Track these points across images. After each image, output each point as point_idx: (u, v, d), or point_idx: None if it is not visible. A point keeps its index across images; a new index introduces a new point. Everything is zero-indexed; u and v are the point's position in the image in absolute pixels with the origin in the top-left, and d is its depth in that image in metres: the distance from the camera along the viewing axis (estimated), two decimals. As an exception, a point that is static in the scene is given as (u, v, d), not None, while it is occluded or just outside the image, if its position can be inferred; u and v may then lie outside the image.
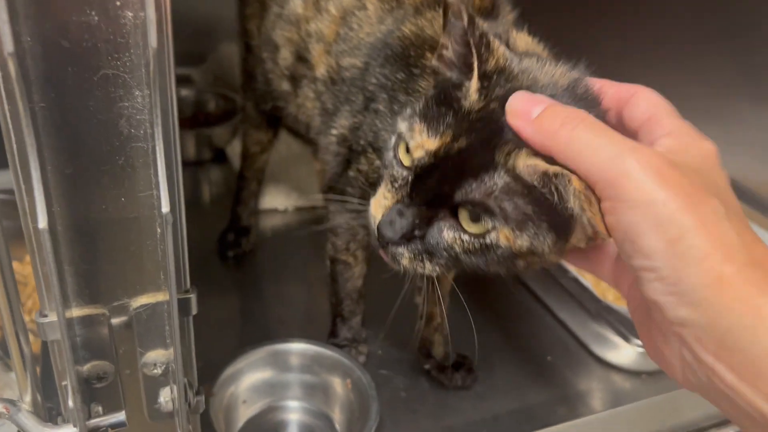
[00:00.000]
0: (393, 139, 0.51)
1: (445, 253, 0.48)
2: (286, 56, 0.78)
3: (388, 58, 0.65)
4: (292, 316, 0.93)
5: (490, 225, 0.45)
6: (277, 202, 1.12)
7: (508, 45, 0.50)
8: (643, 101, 0.43)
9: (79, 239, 0.42)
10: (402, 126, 0.50)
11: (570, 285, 0.87)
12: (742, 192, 1.10)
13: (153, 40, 0.37)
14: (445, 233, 0.47)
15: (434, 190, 0.47)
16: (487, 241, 0.46)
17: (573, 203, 0.41)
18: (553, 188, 0.41)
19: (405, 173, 0.49)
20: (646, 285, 0.36)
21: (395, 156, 0.50)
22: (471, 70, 0.47)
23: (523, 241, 0.45)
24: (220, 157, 1.25)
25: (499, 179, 0.44)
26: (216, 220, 1.06)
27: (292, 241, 1.08)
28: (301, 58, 0.76)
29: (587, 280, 0.95)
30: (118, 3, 0.37)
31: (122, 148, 0.41)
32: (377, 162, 0.64)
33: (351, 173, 0.68)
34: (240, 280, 1.00)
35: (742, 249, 0.35)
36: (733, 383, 0.34)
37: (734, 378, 0.34)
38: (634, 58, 1.15)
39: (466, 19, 0.46)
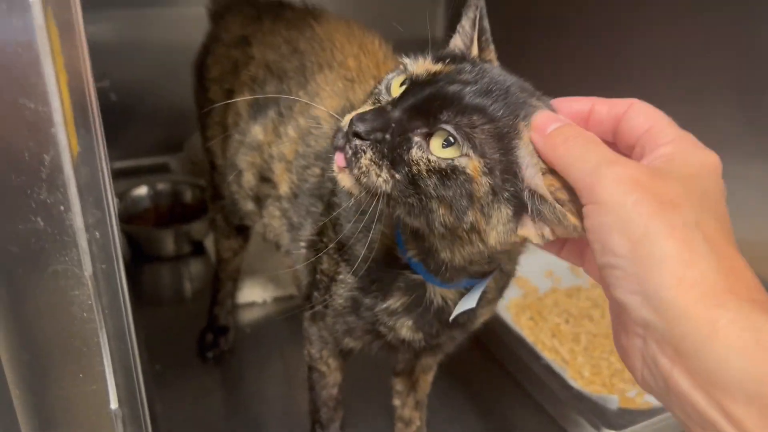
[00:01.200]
0: (391, 74, 0.52)
1: (405, 168, 0.47)
2: (249, 179, 0.81)
3: None
4: (272, 415, 0.94)
5: (464, 150, 0.45)
6: (255, 295, 1.14)
7: None
8: (640, 114, 0.44)
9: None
10: (407, 59, 0.52)
11: (543, 372, 0.88)
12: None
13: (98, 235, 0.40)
14: (415, 149, 0.47)
15: (421, 105, 0.47)
16: (455, 163, 0.45)
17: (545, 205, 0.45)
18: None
19: (391, 99, 0.50)
20: (613, 284, 0.39)
21: (387, 87, 0.51)
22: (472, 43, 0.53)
23: (484, 183, 0.45)
24: (198, 249, 1.28)
25: (490, 126, 0.46)
26: (199, 315, 1.07)
27: (272, 334, 1.10)
28: (265, 178, 0.79)
29: (560, 366, 0.96)
30: (62, 207, 0.39)
31: (77, 332, 0.43)
32: (338, 267, 0.67)
33: (317, 276, 0.71)
34: (220, 380, 1.01)
35: (710, 257, 0.36)
36: (688, 390, 0.35)
37: (689, 384, 0.35)
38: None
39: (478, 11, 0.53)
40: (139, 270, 1.24)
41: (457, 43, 0.55)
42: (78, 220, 0.39)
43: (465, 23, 0.54)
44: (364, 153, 0.47)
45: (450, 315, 0.61)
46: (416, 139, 0.47)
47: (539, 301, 1.12)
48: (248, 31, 0.88)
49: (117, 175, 1.51)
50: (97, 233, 0.41)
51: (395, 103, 0.48)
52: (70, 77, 0.33)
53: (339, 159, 0.49)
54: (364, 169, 0.47)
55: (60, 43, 0.31)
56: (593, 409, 0.81)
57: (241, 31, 0.89)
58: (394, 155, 0.47)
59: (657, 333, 0.36)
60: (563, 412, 0.87)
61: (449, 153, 0.46)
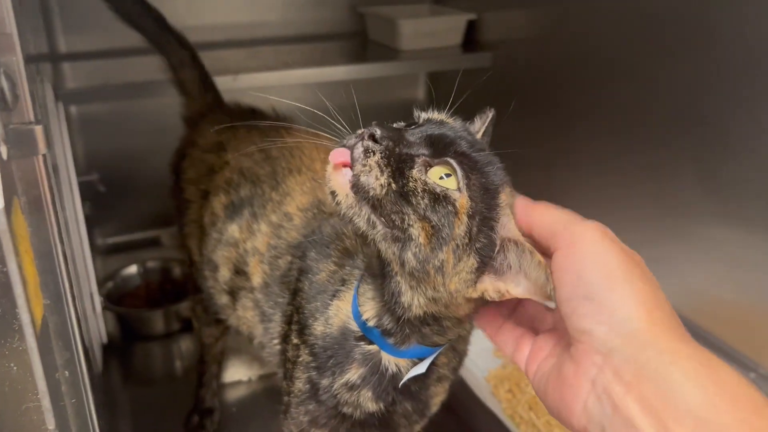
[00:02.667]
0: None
1: (403, 181, 0.50)
2: (225, 273, 0.86)
3: (308, 248, 0.74)
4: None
5: (460, 185, 0.50)
6: (240, 373, 1.17)
7: None
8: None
9: None
10: (420, 112, 0.58)
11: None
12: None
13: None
14: (417, 169, 0.51)
15: (433, 137, 0.52)
16: (448, 193, 0.50)
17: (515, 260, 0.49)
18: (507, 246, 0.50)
19: (405, 124, 0.56)
20: (583, 315, 0.44)
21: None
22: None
23: (465, 223, 0.50)
24: (189, 326, 1.31)
25: (484, 180, 0.51)
26: (189, 393, 1.10)
27: (258, 412, 1.12)
28: (239, 271, 0.83)
29: (508, 419, 0.98)
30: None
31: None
32: (299, 351, 0.70)
33: (287, 365, 0.73)
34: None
35: (667, 305, 0.43)
36: (636, 415, 0.39)
37: (638, 409, 0.39)
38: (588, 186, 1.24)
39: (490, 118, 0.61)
40: (130, 349, 1.28)
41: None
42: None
43: (477, 120, 0.60)
44: (373, 154, 0.51)
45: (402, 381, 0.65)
46: (420, 161, 0.51)
47: (518, 371, 1.15)
48: (223, 138, 0.94)
49: (109, 251, 1.57)
50: (66, 372, 0.45)
51: (408, 128, 0.54)
52: (36, 253, 0.37)
53: (338, 156, 0.52)
54: (368, 167, 0.50)
55: (27, 229, 0.35)
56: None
57: (217, 137, 0.95)
58: (397, 166, 0.51)
59: (619, 359, 0.41)
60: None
61: (446, 184, 0.50)
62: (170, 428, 1.08)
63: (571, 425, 0.45)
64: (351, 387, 0.66)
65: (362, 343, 0.64)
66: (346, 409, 0.68)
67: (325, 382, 0.67)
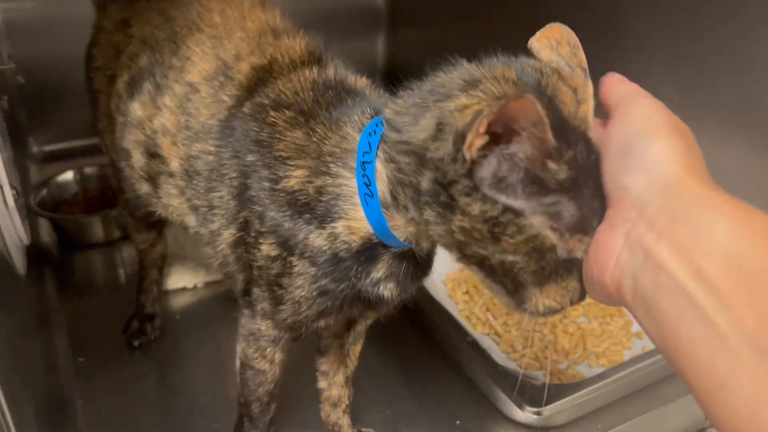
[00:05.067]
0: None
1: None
2: (138, 158, 0.77)
3: (238, 139, 0.65)
4: (201, 403, 0.91)
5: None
6: (184, 280, 1.11)
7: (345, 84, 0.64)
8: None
9: None
10: None
11: (471, 349, 0.87)
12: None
13: None
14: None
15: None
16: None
17: None
18: None
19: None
20: (621, 175, 0.45)
21: None
22: None
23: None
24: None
25: None
26: (132, 303, 1.04)
27: (204, 320, 1.07)
28: (153, 154, 0.75)
29: (493, 339, 0.95)
30: None
31: None
32: (274, 251, 0.62)
33: (254, 273, 0.66)
34: (147, 369, 0.98)
35: (703, 166, 0.44)
36: (666, 259, 0.39)
37: (669, 253, 0.39)
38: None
39: None
40: (69, 258, 1.20)
41: None
42: None
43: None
44: None
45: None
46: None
47: (476, 274, 1.10)
48: (127, 13, 0.83)
49: (46, 158, 1.47)
50: None
51: None
52: None
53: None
54: None
55: None
56: (517, 386, 0.80)
57: (121, 14, 0.84)
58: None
59: (653, 209, 0.41)
60: (491, 389, 0.86)
61: None
62: (110, 337, 1.02)
63: (604, 285, 0.45)
64: (375, 283, 0.61)
65: (392, 248, 0.59)
66: (365, 294, 0.63)
67: (342, 286, 0.61)
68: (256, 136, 0.63)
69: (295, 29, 0.73)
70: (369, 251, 0.59)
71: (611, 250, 0.44)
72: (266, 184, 0.61)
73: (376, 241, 0.59)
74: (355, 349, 0.81)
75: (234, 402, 0.82)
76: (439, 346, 0.99)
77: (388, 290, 0.62)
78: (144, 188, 0.79)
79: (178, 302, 1.10)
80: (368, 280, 0.61)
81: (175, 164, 0.72)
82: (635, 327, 1.00)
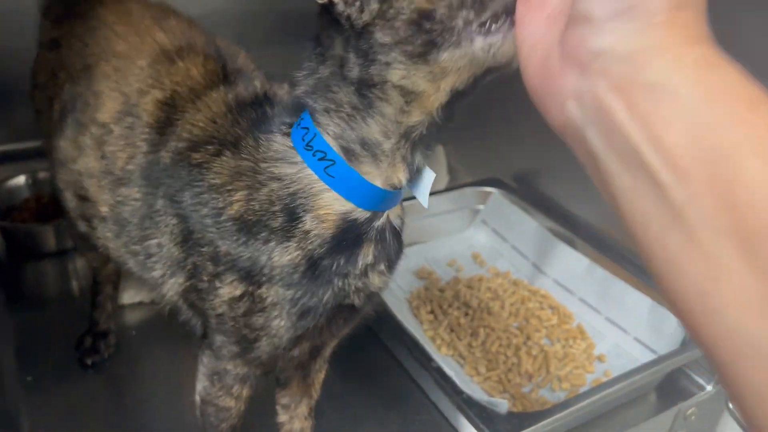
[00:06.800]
0: None
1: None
2: (70, 198, 0.73)
3: (167, 184, 0.62)
4: (157, 425, 0.88)
5: None
6: (141, 294, 1.07)
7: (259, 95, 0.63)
8: None
9: None
10: None
11: (436, 375, 0.86)
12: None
13: None
14: None
15: None
16: None
17: None
18: None
19: None
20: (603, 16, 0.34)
21: None
22: None
23: None
24: (85, 243, 1.19)
25: None
26: (85, 317, 0.99)
27: (161, 335, 1.03)
28: (82, 197, 0.71)
29: (457, 362, 0.94)
30: None
31: None
32: (238, 290, 0.58)
33: (212, 320, 0.62)
34: (101, 387, 0.95)
35: (699, 11, 0.35)
36: (623, 121, 0.33)
37: (626, 115, 0.33)
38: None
39: None
40: (19, 269, 1.15)
41: None
42: None
43: None
44: None
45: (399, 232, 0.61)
46: None
47: (440, 293, 1.10)
48: (56, 33, 0.78)
49: (-2, 160, 1.40)
50: None
51: None
52: None
53: None
54: None
55: None
56: (481, 414, 0.79)
57: (51, 33, 0.79)
58: None
59: (613, 60, 0.34)
60: (455, 416, 0.86)
61: None
62: (61, 354, 0.98)
63: (547, 119, 0.39)
64: (364, 272, 0.58)
65: (375, 220, 0.57)
66: (350, 300, 0.60)
67: (326, 296, 0.58)
68: (187, 177, 0.60)
69: (191, 39, 0.69)
70: (348, 233, 0.56)
71: (559, 89, 0.37)
72: (209, 221, 0.58)
73: (351, 219, 0.56)
74: (320, 377, 0.79)
75: (193, 425, 0.79)
76: (404, 370, 0.98)
77: (377, 275, 0.59)
78: (82, 227, 0.75)
79: (135, 317, 1.06)
80: (357, 272, 0.58)
81: (104, 209, 0.68)
82: (597, 350, 1.01)
